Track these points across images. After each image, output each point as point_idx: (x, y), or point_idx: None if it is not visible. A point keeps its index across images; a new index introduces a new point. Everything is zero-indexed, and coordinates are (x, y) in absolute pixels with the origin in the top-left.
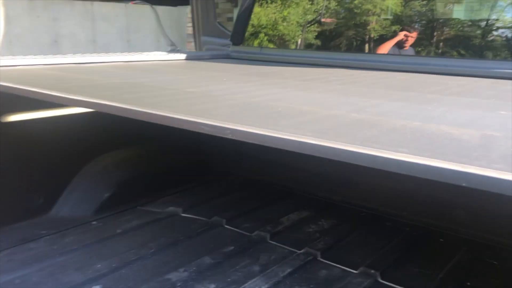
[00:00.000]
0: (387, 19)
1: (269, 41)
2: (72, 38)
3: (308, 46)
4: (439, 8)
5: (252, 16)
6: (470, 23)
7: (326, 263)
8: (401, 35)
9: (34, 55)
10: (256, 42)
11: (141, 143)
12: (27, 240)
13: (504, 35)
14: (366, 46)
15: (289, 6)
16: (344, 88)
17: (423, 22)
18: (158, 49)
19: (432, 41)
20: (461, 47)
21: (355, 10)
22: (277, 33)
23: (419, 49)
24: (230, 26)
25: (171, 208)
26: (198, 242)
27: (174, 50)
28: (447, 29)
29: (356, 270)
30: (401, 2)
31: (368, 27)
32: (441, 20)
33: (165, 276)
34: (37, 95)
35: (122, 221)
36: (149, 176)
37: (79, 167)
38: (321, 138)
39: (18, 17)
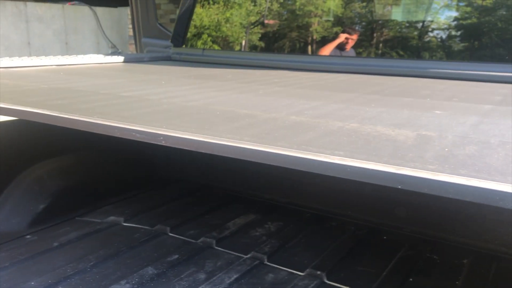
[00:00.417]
0: (329, 20)
1: (213, 42)
2: (5, 40)
3: (252, 48)
4: (378, 10)
5: (194, 17)
6: (407, 24)
7: (272, 266)
8: (342, 37)
9: None
10: (199, 43)
11: (79, 150)
12: None
13: (439, 36)
14: (309, 47)
15: (231, 8)
16: (285, 90)
17: (363, 23)
18: (98, 51)
19: (372, 42)
20: (399, 48)
21: (297, 12)
22: (220, 35)
23: (360, 50)
24: (172, 28)
25: (112, 218)
26: (140, 252)
27: (115, 52)
28: (386, 30)
29: (302, 272)
30: (342, 4)
31: (310, 29)
32: (380, 22)
33: None
34: None
35: (59, 234)
36: (88, 185)
37: (11, 178)
38: (258, 143)
39: None
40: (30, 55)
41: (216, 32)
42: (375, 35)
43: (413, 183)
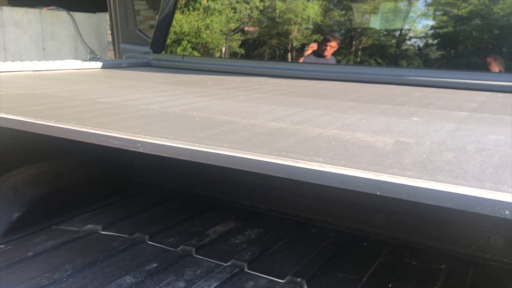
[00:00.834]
0: (308, 28)
1: (193, 48)
2: None
3: (232, 54)
4: (357, 18)
5: (174, 23)
6: (385, 32)
7: (253, 274)
8: (310, 49)
9: None
10: (179, 50)
11: (55, 157)
12: None
13: (416, 44)
14: (289, 55)
15: (211, 14)
16: (265, 96)
17: (342, 31)
18: (76, 57)
19: (350, 50)
20: (378, 56)
21: (277, 20)
22: (200, 41)
23: (339, 58)
24: (152, 34)
25: (89, 226)
26: (119, 260)
27: (93, 58)
28: (364, 38)
29: (282, 279)
30: (321, 12)
31: (290, 36)
32: (358, 30)
33: None
34: None
35: (34, 243)
36: (65, 193)
37: None
38: (238, 149)
39: None
40: (5, 60)
41: (196, 39)
42: (353, 43)
43: (392, 190)
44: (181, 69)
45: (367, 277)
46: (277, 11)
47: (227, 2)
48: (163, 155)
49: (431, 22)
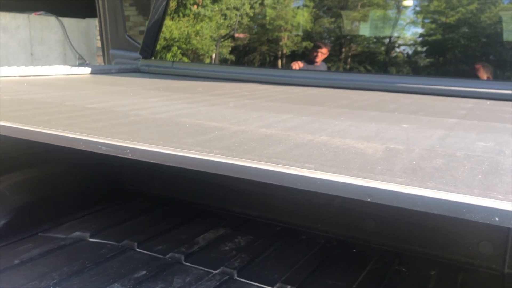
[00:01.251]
0: (298, 35)
1: (183, 54)
2: None
3: (223, 61)
4: (346, 25)
5: (164, 29)
6: (375, 40)
7: (242, 281)
8: (296, 65)
9: None
10: (169, 56)
11: (42, 163)
12: None
13: (405, 52)
14: (279, 61)
15: (202, 20)
16: (255, 103)
17: (332, 38)
18: (65, 62)
19: (340, 57)
20: (367, 63)
21: (268, 26)
22: (190, 47)
23: (329, 65)
24: (141, 40)
25: (77, 233)
26: (107, 268)
27: (82, 63)
28: (354, 45)
29: (272, 286)
30: (311, 19)
31: (280, 43)
32: (348, 37)
33: None
34: None
35: (20, 251)
36: (52, 199)
37: None
38: (228, 156)
39: None
40: None
41: (186, 45)
42: (343, 50)
43: (382, 196)
44: (171, 75)
45: (356, 284)
46: (267, 18)
47: (217, 8)
48: (152, 161)
49: (420, 30)
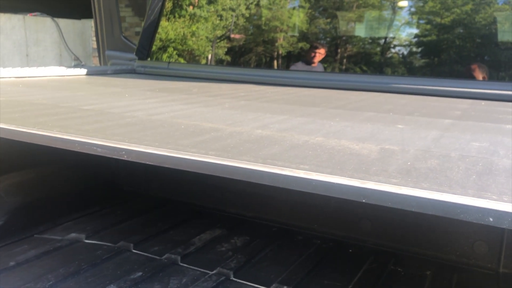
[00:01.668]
0: (294, 36)
1: (179, 55)
2: None
3: (219, 61)
4: (342, 26)
5: (160, 30)
6: (370, 40)
7: (239, 282)
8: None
9: None
10: (164, 57)
11: (37, 165)
12: None
13: (400, 52)
14: (275, 62)
15: (197, 21)
16: (251, 104)
17: (328, 39)
18: (60, 63)
19: (336, 58)
20: (363, 64)
21: (263, 27)
22: (186, 48)
23: (324, 65)
24: (137, 41)
25: (73, 235)
26: (103, 269)
27: (78, 64)
28: (350, 46)
29: (268, 287)
30: (307, 20)
31: (276, 44)
32: (344, 38)
33: None
34: None
35: (16, 252)
36: (48, 201)
37: None
38: (223, 157)
39: None
40: None
41: (182, 46)
42: (339, 51)
43: (377, 197)
44: (167, 76)
45: (352, 284)
46: (263, 18)
47: (213, 9)
48: (147, 163)
49: (415, 31)
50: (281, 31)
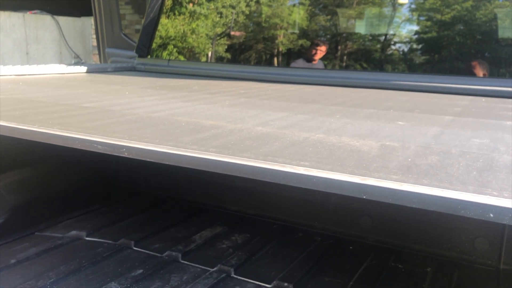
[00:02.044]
0: (294, 33)
1: (179, 53)
2: None
3: (219, 59)
4: (342, 23)
5: (160, 27)
6: (370, 37)
7: (239, 279)
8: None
9: None
10: (165, 54)
11: (38, 163)
12: None
13: (401, 49)
14: (275, 59)
15: (197, 19)
16: (251, 101)
17: (328, 36)
18: (61, 61)
19: (336, 55)
20: (363, 61)
21: (263, 24)
22: (186, 45)
23: (325, 62)
24: (137, 38)
25: (74, 232)
26: (104, 267)
27: (78, 62)
28: (350, 43)
29: (269, 284)
30: (307, 17)
31: (276, 41)
32: (344, 35)
33: None
34: None
35: (17, 250)
36: (48, 199)
37: None
38: (224, 154)
39: None
40: None
41: (182, 43)
42: (339, 48)
43: (377, 193)
44: (167, 73)
45: (353, 281)
46: (263, 16)
47: (213, 6)
48: (148, 160)
49: (415, 27)
50: (281, 28)
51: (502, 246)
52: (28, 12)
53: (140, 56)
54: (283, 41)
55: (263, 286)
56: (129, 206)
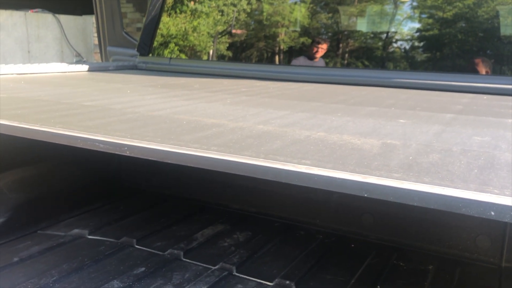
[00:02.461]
0: (295, 31)
1: (180, 51)
2: None
3: (220, 57)
4: (344, 21)
5: (161, 26)
6: (372, 35)
7: (241, 277)
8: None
9: None
10: (166, 52)
11: (40, 162)
12: None
13: (402, 47)
14: (276, 57)
15: (199, 17)
16: (253, 99)
17: (329, 34)
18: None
19: (337, 52)
20: (364, 58)
21: (265, 22)
22: (187, 44)
23: (326, 60)
24: (139, 36)
25: (76, 231)
26: (106, 265)
27: (79, 61)
28: (351, 41)
29: (271, 282)
30: (308, 15)
31: (278, 39)
32: (345, 33)
33: None
34: None
35: (19, 248)
36: (50, 197)
37: None
38: (225, 152)
39: None
40: None
41: (183, 41)
42: (340, 45)
43: (379, 192)
44: (168, 72)
45: (355, 278)
46: (265, 14)
47: (214, 4)
48: (150, 158)
49: (417, 25)
50: (282, 26)
51: (504, 244)
52: (29, 11)
53: (142, 54)
54: (284, 39)
55: (265, 284)
56: (131, 204)
